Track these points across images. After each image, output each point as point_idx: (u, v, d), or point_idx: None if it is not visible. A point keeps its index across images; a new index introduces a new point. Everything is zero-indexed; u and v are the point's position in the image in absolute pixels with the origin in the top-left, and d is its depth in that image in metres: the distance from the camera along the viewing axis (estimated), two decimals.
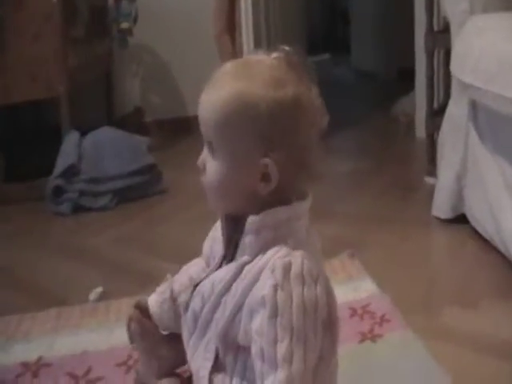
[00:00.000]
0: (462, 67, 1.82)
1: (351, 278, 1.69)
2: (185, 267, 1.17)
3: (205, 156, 0.94)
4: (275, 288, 0.84)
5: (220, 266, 0.97)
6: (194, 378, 0.99)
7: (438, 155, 2.18)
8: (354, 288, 1.64)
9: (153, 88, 3.53)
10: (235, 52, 2.84)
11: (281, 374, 0.83)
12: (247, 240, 0.90)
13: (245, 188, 0.90)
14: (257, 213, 0.89)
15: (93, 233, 2.19)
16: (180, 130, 3.38)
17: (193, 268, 1.14)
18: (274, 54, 0.92)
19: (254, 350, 0.86)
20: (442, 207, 2.04)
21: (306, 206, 0.93)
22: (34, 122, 3.05)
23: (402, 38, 3.83)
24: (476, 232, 1.90)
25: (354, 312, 1.52)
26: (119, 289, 1.72)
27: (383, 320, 1.48)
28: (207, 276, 0.98)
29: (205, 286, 0.97)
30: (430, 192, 2.13)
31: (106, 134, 2.60)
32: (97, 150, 2.51)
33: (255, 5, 2.67)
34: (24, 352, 1.45)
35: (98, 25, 3.02)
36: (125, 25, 2.94)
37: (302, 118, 0.89)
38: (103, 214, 2.37)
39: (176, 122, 3.46)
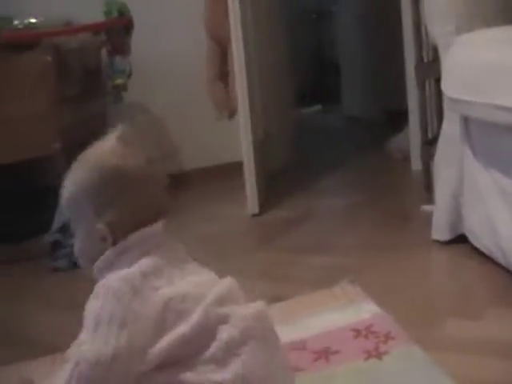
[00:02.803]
0: (450, 84, 1.85)
1: (353, 302, 1.67)
2: None
3: None
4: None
5: None
6: None
7: (434, 182, 2.18)
8: (355, 311, 1.61)
9: None
10: (229, 99, 2.86)
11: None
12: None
13: (96, 249, 1.13)
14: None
15: (90, 286, 2.16)
16: (177, 185, 3.38)
17: None
18: (112, 135, 1.20)
19: None
20: (440, 229, 2.03)
21: (136, 239, 1.11)
22: (27, 182, 3.06)
23: (390, 82, 3.89)
24: (475, 249, 1.88)
25: (357, 333, 1.50)
26: None
27: (388, 338, 1.45)
28: None
29: None
30: (428, 220, 2.11)
31: None
32: None
33: (247, 54, 2.72)
34: None
35: (92, 83, 3.06)
36: (119, 81, 2.97)
37: (121, 183, 1.12)
38: None
39: (173, 178, 3.47)
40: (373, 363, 1.36)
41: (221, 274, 1.21)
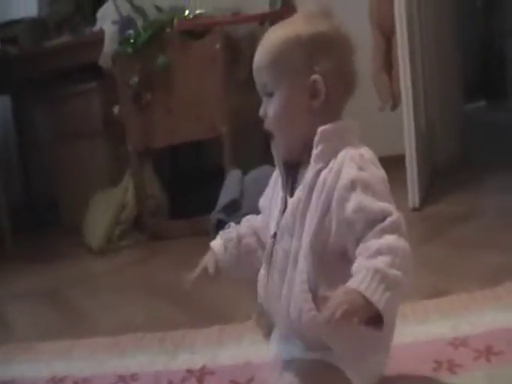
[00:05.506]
0: None
1: None
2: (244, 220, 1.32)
3: (265, 106, 1.13)
4: (360, 170, 1.03)
5: (285, 205, 1.13)
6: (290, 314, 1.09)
7: None
8: None
9: None
10: (393, 90, 2.84)
11: (392, 217, 0.99)
12: (320, 148, 1.07)
13: (300, 110, 1.09)
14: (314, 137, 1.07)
15: None
16: None
17: (252, 221, 1.29)
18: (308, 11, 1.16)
19: (358, 228, 0.99)
20: None
21: (354, 123, 1.12)
22: (196, 162, 3.22)
23: None
24: None
25: None
26: None
27: None
28: (279, 220, 1.12)
29: (286, 221, 1.10)
30: None
31: (266, 172, 2.66)
32: (258, 187, 2.55)
33: (411, 45, 2.69)
34: (189, 361, 1.52)
35: None
36: None
37: (337, 43, 1.13)
38: None
39: None
40: None
41: None
